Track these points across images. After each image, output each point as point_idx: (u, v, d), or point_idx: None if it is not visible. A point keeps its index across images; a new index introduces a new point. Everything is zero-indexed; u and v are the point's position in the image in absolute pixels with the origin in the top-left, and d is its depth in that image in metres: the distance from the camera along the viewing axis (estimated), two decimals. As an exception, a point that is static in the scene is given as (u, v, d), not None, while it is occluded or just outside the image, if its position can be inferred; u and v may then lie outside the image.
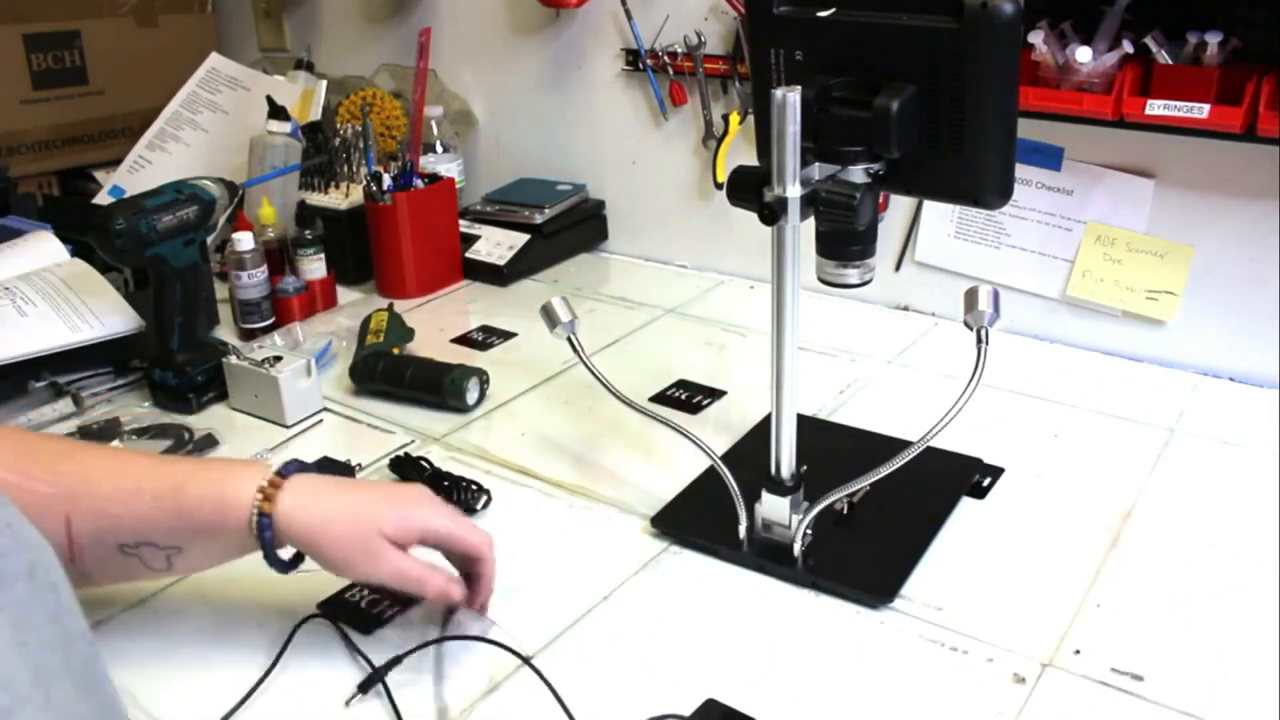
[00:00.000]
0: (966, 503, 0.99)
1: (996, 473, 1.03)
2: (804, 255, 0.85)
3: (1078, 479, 1.02)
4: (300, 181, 1.57)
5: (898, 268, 1.42)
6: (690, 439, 0.94)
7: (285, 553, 0.78)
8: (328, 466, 1.06)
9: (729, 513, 0.92)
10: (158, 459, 0.85)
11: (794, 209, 0.81)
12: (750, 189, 0.83)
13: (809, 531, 0.90)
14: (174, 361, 1.19)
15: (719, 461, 0.93)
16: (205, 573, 0.92)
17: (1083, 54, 1.13)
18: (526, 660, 0.79)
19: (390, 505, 0.78)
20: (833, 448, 1.05)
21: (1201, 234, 1.21)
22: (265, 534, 0.75)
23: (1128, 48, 1.12)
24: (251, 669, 0.80)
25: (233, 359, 1.18)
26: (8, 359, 1.17)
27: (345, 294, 1.51)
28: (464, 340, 1.38)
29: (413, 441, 1.13)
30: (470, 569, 0.82)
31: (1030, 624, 0.83)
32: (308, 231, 1.43)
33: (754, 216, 0.82)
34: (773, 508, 0.91)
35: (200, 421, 1.17)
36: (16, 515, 0.56)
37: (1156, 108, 1.11)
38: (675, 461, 1.04)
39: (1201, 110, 1.08)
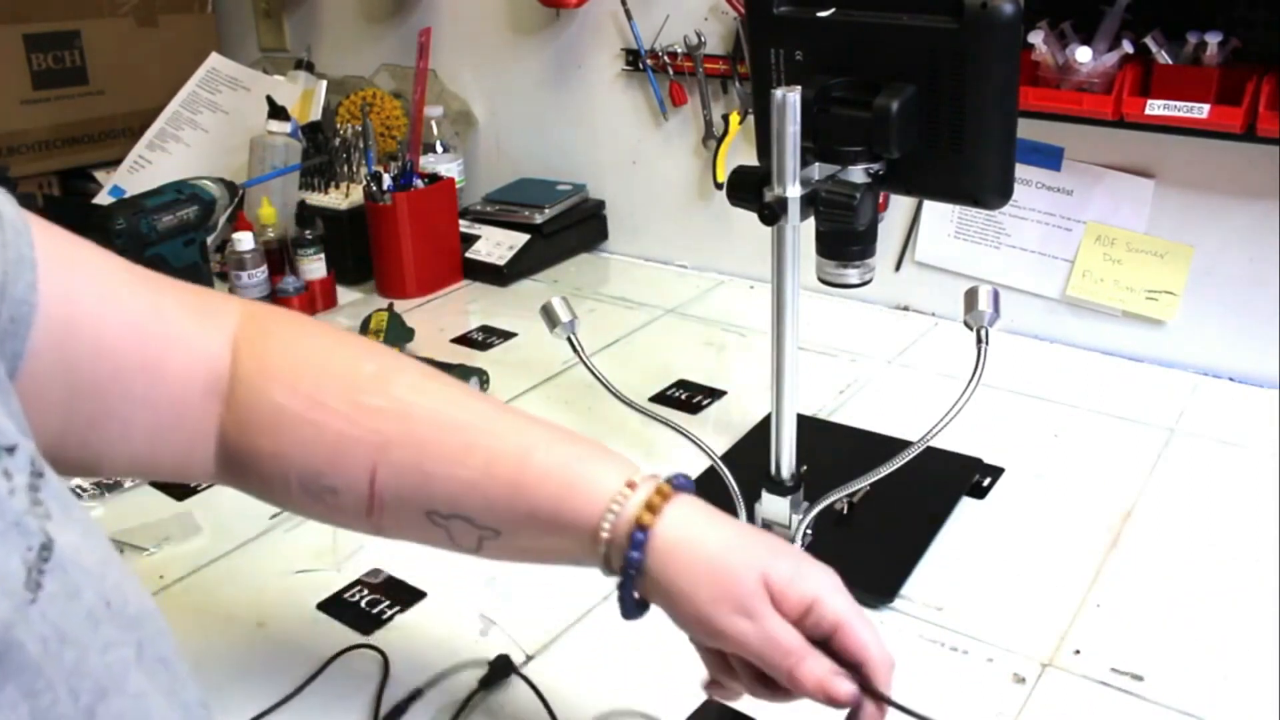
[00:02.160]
0: (966, 503, 0.99)
1: (996, 473, 1.03)
2: (804, 255, 0.85)
3: (1078, 479, 1.02)
4: (300, 181, 1.57)
5: (898, 268, 1.42)
6: (690, 439, 0.94)
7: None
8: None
9: (729, 513, 0.91)
10: (503, 408, 0.65)
11: (794, 209, 0.81)
12: (750, 189, 0.83)
13: (809, 531, 0.90)
14: (174, 361, 1.19)
15: (719, 461, 0.93)
16: (205, 572, 0.92)
17: (1083, 54, 1.13)
18: (517, 670, 0.79)
19: (784, 554, 0.59)
20: (833, 448, 1.05)
21: (1201, 234, 1.21)
22: (635, 554, 0.57)
23: (1128, 48, 1.12)
24: (251, 668, 0.80)
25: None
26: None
27: (345, 294, 1.51)
28: (464, 340, 1.38)
29: (413, 441, 1.13)
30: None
31: (1030, 624, 0.83)
32: (308, 231, 1.43)
33: (754, 216, 0.82)
34: (773, 508, 0.91)
35: (200, 421, 1.17)
36: (120, 585, 0.46)
37: (1156, 108, 1.11)
38: (675, 461, 1.04)
39: (1201, 110, 1.08)
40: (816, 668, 0.56)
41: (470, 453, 0.60)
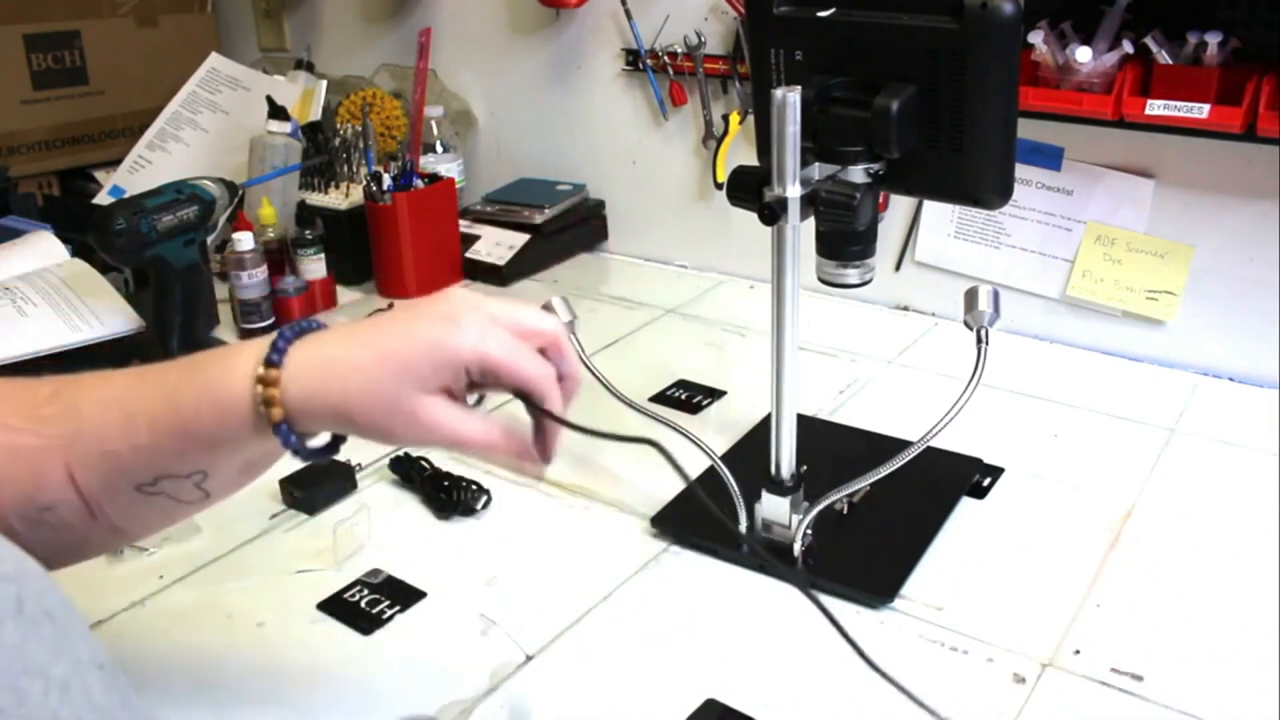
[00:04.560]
0: (966, 503, 0.99)
1: (996, 473, 1.03)
2: (804, 255, 0.85)
3: (1077, 479, 1.02)
4: (300, 181, 1.57)
5: (898, 268, 1.42)
6: (690, 439, 0.94)
7: (321, 439, 0.63)
8: (328, 467, 1.05)
9: (729, 513, 0.92)
10: (138, 372, 0.66)
11: (794, 209, 0.81)
12: (750, 189, 0.83)
13: (809, 531, 0.90)
14: (174, 361, 1.19)
15: (719, 461, 0.93)
16: (204, 572, 0.92)
17: (1083, 54, 1.13)
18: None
19: (414, 336, 0.60)
20: (833, 448, 1.05)
21: (1201, 234, 1.21)
22: (289, 443, 0.59)
23: (1128, 48, 1.12)
24: (251, 669, 0.80)
25: (233, 359, 1.18)
26: (8, 359, 1.17)
27: (345, 294, 1.51)
28: (464, 340, 1.38)
29: (413, 441, 1.13)
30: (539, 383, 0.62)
31: (1030, 624, 0.83)
32: (308, 231, 1.43)
33: (754, 216, 0.82)
34: (773, 508, 0.91)
35: (200, 421, 1.17)
36: None
37: (1156, 108, 1.11)
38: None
39: (1201, 110, 1.08)
40: (482, 436, 0.61)
41: (132, 420, 0.61)
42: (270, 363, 0.59)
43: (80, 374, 0.65)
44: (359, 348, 0.60)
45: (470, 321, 0.61)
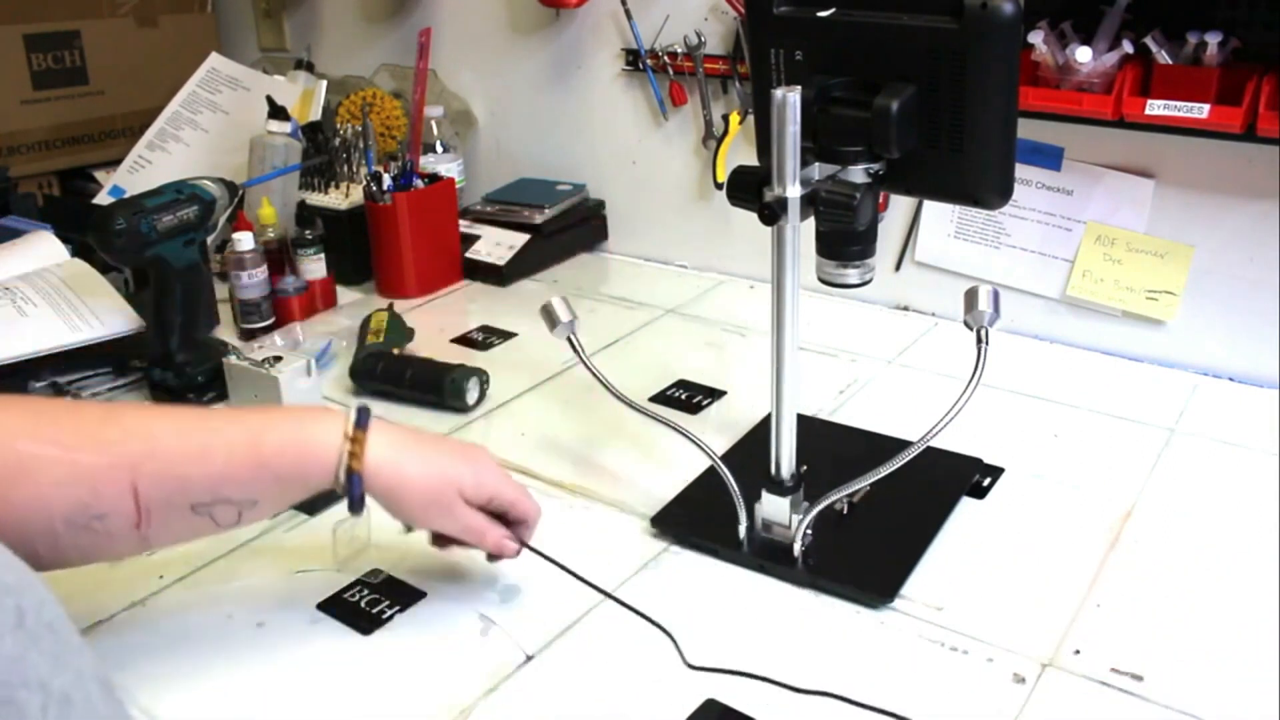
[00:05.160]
0: (966, 503, 0.99)
1: (996, 473, 1.03)
2: (804, 255, 0.85)
3: (1077, 479, 1.02)
4: (300, 181, 1.57)
5: (898, 268, 1.42)
6: (690, 439, 0.94)
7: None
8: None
9: (729, 513, 0.92)
10: (218, 412, 0.84)
11: (794, 209, 0.81)
12: (750, 189, 0.83)
13: (809, 531, 0.90)
14: (174, 361, 1.19)
15: (719, 461, 0.93)
16: (204, 572, 0.92)
17: (1083, 54, 1.13)
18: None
19: (467, 465, 0.82)
20: (833, 448, 1.05)
21: (1201, 234, 1.21)
22: (355, 490, 0.76)
23: (1128, 48, 1.12)
24: (251, 669, 0.80)
25: (233, 359, 1.18)
26: (8, 359, 1.17)
27: (345, 294, 1.51)
28: (464, 340, 1.38)
29: (413, 441, 1.13)
30: (516, 528, 0.87)
31: (1030, 624, 0.83)
32: (308, 231, 1.43)
33: (754, 216, 0.82)
34: (773, 508, 0.91)
35: (200, 421, 1.17)
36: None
37: (1156, 108, 1.11)
38: (675, 461, 1.04)
39: (1201, 110, 1.08)
40: (494, 535, 0.84)
41: (208, 450, 0.73)
42: (360, 425, 0.77)
43: (123, 403, 0.82)
44: (425, 446, 0.82)
45: (497, 469, 0.85)
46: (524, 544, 0.87)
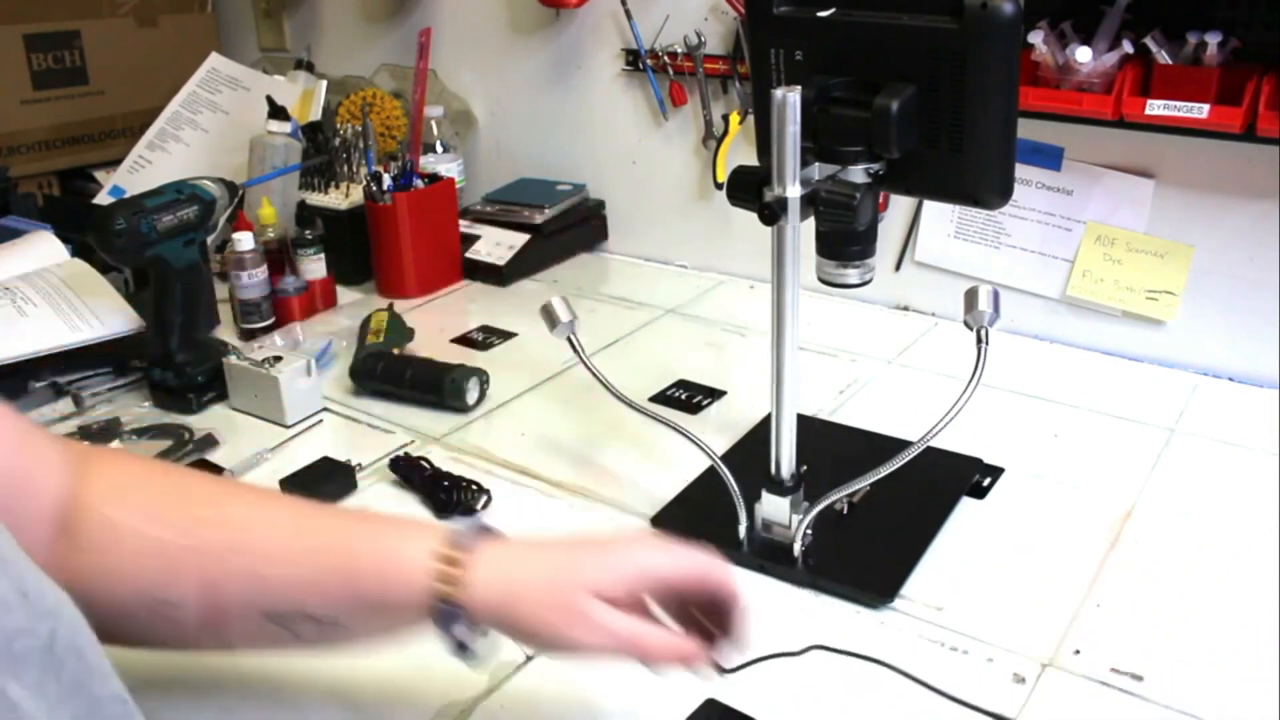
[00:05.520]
0: (966, 503, 0.99)
1: (996, 473, 1.03)
2: (804, 255, 0.85)
3: (1077, 479, 1.02)
4: (300, 181, 1.57)
5: (898, 268, 1.42)
6: (690, 439, 0.94)
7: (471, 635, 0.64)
8: (328, 467, 1.05)
9: (729, 513, 0.92)
10: (318, 507, 0.70)
11: (794, 209, 0.81)
12: (750, 189, 0.83)
13: (809, 531, 0.90)
14: (174, 361, 1.19)
15: (719, 461, 0.93)
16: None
17: (1083, 54, 1.13)
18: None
19: (595, 551, 0.64)
20: (833, 448, 1.05)
21: (1201, 234, 1.21)
22: (454, 625, 0.62)
23: (1128, 48, 1.12)
24: (251, 668, 0.80)
25: (233, 359, 1.18)
26: (8, 359, 1.17)
27: (345, 294, 1.51)
28: (464, 340, 1.38)
29: (413, 441, 1.13)
30: (714, 612, 0.66)
31: (1030, 624, 0.83)
32: (308, 231, 1.43)
33: (754, 216, 0.82)
34: (773, 508, 0.91)
35: (200, 422, 1.17)
36: (35, 578, 0.47)
37: (1156, 108, 1.11)
38: (675, 461, 1.04)
39: (1201, 110, 1.08)
40: (658, 642, 0.63)
41: (303, 554, 0.63)
42: (461, 543, 0.62)
43: (245, 485, 0.71)
44: (542, 548, 0.65)
45: (636, 546, 0.65)
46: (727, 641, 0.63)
